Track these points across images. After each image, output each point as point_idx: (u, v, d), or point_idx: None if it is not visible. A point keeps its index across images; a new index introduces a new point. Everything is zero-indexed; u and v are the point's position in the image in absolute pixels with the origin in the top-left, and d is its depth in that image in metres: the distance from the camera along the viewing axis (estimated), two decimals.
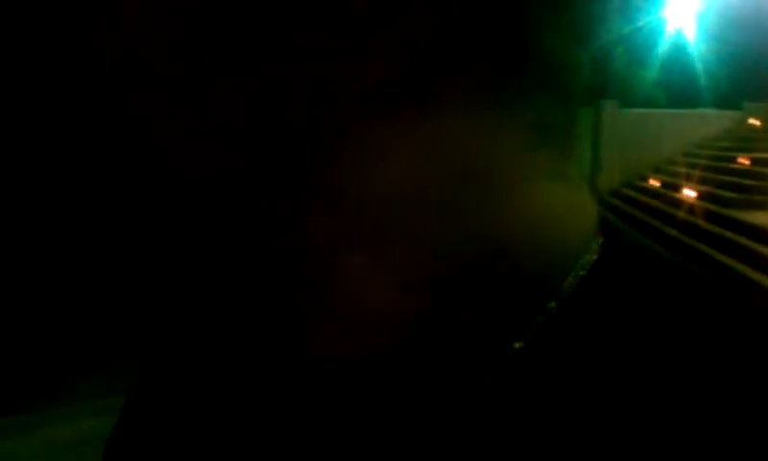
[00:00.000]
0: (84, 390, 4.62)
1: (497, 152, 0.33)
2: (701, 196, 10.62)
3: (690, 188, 11.03)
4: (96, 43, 0.30)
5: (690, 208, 10.12)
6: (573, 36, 0.34)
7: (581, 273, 0.35)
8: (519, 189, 0.34)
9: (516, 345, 0.33)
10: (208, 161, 0.31)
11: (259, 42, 0.29)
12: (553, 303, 0.34)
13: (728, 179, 11.11)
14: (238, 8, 0.28)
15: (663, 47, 18.09)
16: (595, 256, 0.35)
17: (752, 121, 15.33)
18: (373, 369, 0.34)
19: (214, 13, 0.29)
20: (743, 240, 8.18)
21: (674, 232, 9.49)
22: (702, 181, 11.37)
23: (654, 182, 13.18)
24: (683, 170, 12.48)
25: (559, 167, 0.36)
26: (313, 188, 0.31)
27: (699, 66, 18.01)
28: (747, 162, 11.71)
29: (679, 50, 18.34)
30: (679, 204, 10.62)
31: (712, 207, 9.81)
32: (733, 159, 12.18)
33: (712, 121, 15.74)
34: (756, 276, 7.17)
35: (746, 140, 13.75)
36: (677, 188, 11.57)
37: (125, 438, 0.47)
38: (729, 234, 8.54)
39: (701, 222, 9.30)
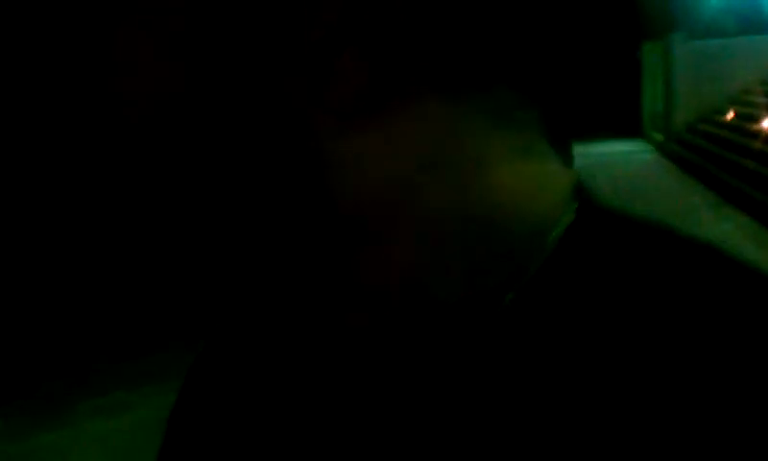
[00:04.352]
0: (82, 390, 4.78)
1: (468, 136, 0.36)
2: None
3: None
4: (96, 49, 0.33)
5: None
6: (525, 31, 0.36)
7: (556, 236, 0.37)
8: (492, 167, 0.36)
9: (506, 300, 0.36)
10: (206, 164, 0.35)
11: (245, 63, 0.33)
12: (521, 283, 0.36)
13: None
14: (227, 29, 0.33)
15: None
16: (571, 220, 0.38)
17: None
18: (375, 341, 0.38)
19: (206, 33, 0.33)
20: None
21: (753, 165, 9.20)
22: None
23: (731, 115, 12.75)
24: (761, 99, 12.02)
25: (527, 143, 0.38)
26: (307, 186, 0.35)
27: None
28: None
29: None
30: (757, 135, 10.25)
31: None
32: None
33: None
34: None
35: None
36: (756, 119, 11.15)
37: (185, 414, 0.50)
38: None
39: None
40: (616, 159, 14.11)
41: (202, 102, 0.33)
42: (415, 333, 0.37)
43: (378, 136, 0.34)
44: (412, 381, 0.37)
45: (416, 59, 0.34)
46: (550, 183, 0.38)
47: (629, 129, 17.77)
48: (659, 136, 15.72)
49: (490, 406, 0.35)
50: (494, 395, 0.35)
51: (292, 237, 0.36)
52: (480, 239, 0.36)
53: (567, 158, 0.40)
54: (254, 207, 0.35)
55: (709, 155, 11.28)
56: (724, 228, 8.33)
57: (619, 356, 0.33)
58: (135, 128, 0.34)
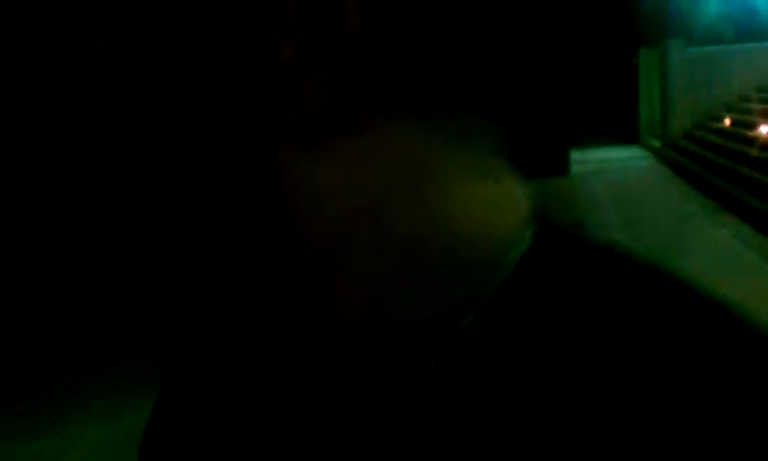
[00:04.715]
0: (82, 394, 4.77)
1: (427, 159, 0.37)
2: None
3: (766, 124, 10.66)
4: (87, 49, 0.34)
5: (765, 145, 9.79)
6: (482, 53, 0.37)
7: (513, 258, 0.37)
8: (451, 189, 0.37)
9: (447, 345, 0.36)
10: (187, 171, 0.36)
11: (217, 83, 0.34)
12: (469, 318, 0.36)
13: None
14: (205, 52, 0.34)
15: None
16: (528, 243, 0.38)
17: None
18: (334, 358, 0.38)
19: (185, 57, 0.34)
20: None
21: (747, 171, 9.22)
22: None
23: (728, 122, 12.78)
24: (757, 106, 12.07)
25: (486, 166, 0.39)
26: (269, 205, 0.36)
27: None
28: None
29: None
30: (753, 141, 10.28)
31: None
32: None
33: None
34: None
35: None
36: (752, 126, 11.18)
37: (160, 428, 0.50)
38: None
39: None
40: (613, 166, 14.16)
41: (179, 108, 0.34)
42: (372, 353, 0.37)
43: (340, 158, 0.35)
44: (371, 401, 0.37)
45: (380, 83, 0.35)
46: (510, 206, 0.39)
47: (626, 135, 17.81)
48: (655, 143, 15.75)
49: (445, 428, 0.35)
50: (450, 417, 0.35)
51: (255, 256, 0.37)
52: (439, 260, 0.36)
53: (556, 172, 0.41)
54: (219, 223, 0.36)
55: (706, 161, 11.31)
56: (721, 234, 8.35)
57: (569, 380, 0.33)
58: (115, 133, 0.35)
